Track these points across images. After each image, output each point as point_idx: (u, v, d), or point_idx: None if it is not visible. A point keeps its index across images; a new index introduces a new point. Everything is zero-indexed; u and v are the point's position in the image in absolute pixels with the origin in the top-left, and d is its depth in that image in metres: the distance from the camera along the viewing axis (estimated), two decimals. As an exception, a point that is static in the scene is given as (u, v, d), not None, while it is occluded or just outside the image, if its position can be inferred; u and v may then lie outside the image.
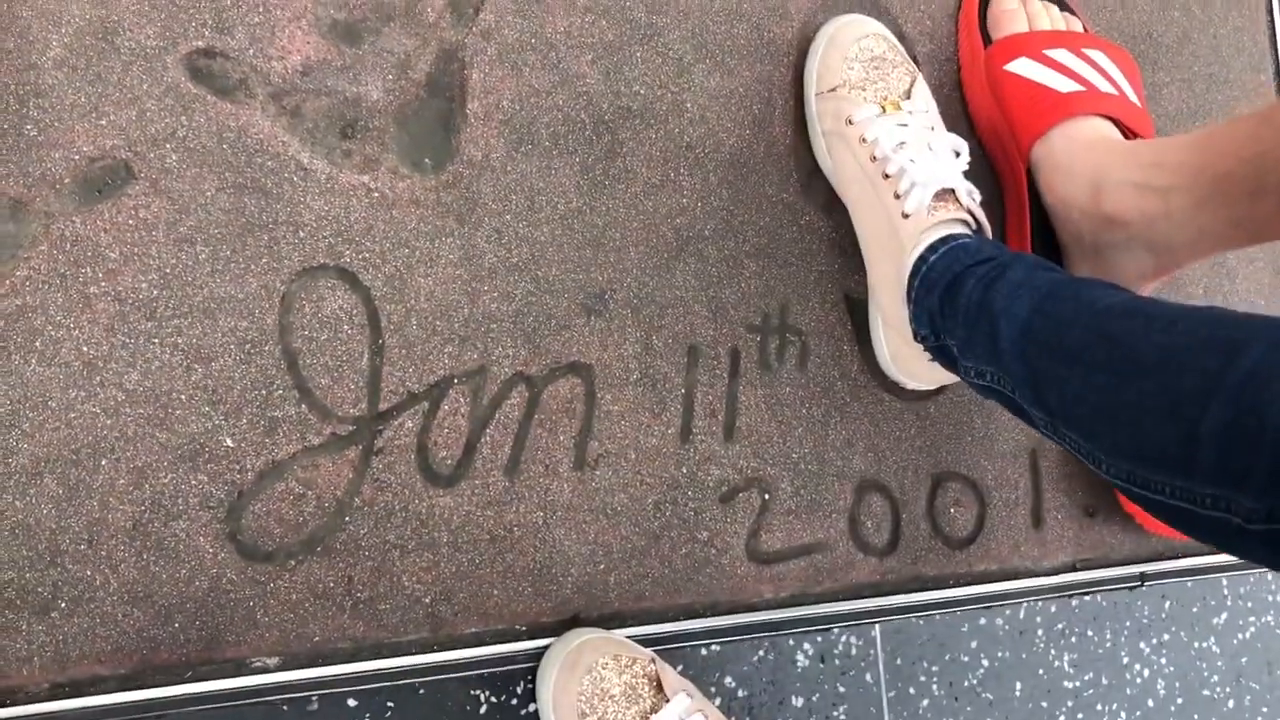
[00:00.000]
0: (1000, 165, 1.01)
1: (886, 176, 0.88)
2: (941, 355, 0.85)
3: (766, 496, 0.95)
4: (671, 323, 0.93)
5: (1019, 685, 1.02)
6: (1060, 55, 0.97)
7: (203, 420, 0.80)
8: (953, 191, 0.86)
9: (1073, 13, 1.03)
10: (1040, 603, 1.04)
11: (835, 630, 0.96)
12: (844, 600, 0.96)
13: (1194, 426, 0.58)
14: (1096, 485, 1.04)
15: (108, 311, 0.79)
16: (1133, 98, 0.97)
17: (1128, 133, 0.96)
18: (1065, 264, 0.97)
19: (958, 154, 0.89)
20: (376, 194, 0.86)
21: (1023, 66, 0.97)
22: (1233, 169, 0.80)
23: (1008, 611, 1.02)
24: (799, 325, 0.97)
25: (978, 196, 0.88)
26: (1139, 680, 1.07)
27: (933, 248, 0.84)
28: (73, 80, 0.79)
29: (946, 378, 0.92)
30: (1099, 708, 1.06)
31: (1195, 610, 1.10)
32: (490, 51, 0.90)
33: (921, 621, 1.00)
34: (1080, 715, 1.04)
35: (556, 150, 0.91)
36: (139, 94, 0.80)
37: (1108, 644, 1.06)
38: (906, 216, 0.86)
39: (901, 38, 1.02)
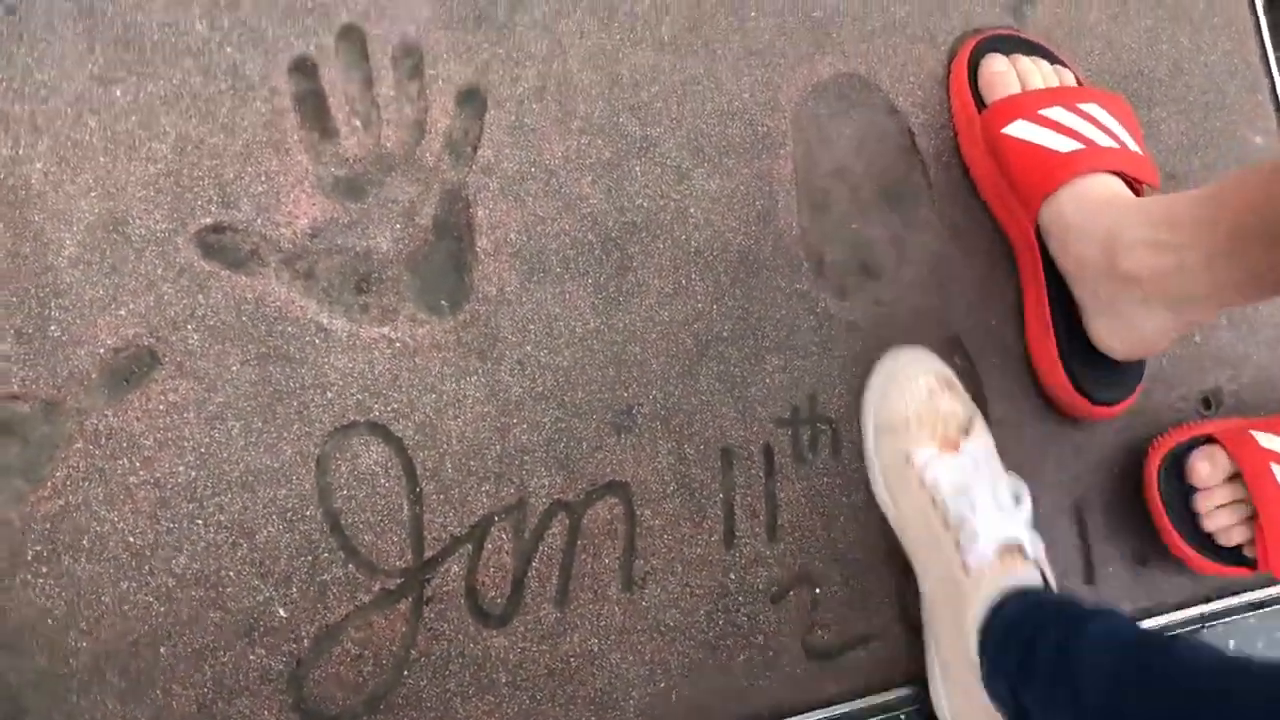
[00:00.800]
0: (1009, 228, 1.01)
1: (947, 526, 0.86)
2: (1018, 717, 0.78)
3: (817, 591, 0.95)
4: (701, 429, 0.94)
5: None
6: (1056, 114, 0.97)
7: (254, 594, 0.81)
8: (1019, 545, 0.84)
9: (1063, 64, 1.03)
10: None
11: (901, 716, 0.96)
12: (906, 686, 0.96)
13: None
14: (1144, 532, 1.03)
15: (149, 499, 0.80)
16: (1133, 147, 0.97)
17: (1133, 184, 0.96)
18: (1084, 322, 0.97)
19: (1018, 499, 0.87)
20: (398, 344, 0.87)
21: (1020, 129, 0.97)
22: (1246, 221, 0.80)
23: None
24: (828, 414, 0.97)
25: (1041, 547, 0.86)
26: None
27: (1004, 603, 0.81)
28: (89, 275, 0.80)
29: None
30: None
31: (1261, 645, 1.09)
32: (492, 186, 0.91)
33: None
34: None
35: (568, 274, 0.92)
36: (154, 279, 0.82)
37: None
38: (968, 571, 0.83)
39: (893, 111, 1.02)
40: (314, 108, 0.87)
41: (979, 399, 0.99)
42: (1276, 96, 1.16)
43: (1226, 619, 1.06)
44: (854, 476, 0.97)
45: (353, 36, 0.89)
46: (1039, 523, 0.89)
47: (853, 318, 0.99)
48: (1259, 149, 1.14)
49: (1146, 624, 1.03)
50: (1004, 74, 1.00)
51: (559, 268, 0.91)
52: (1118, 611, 0.77)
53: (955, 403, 0.91)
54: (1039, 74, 1.01)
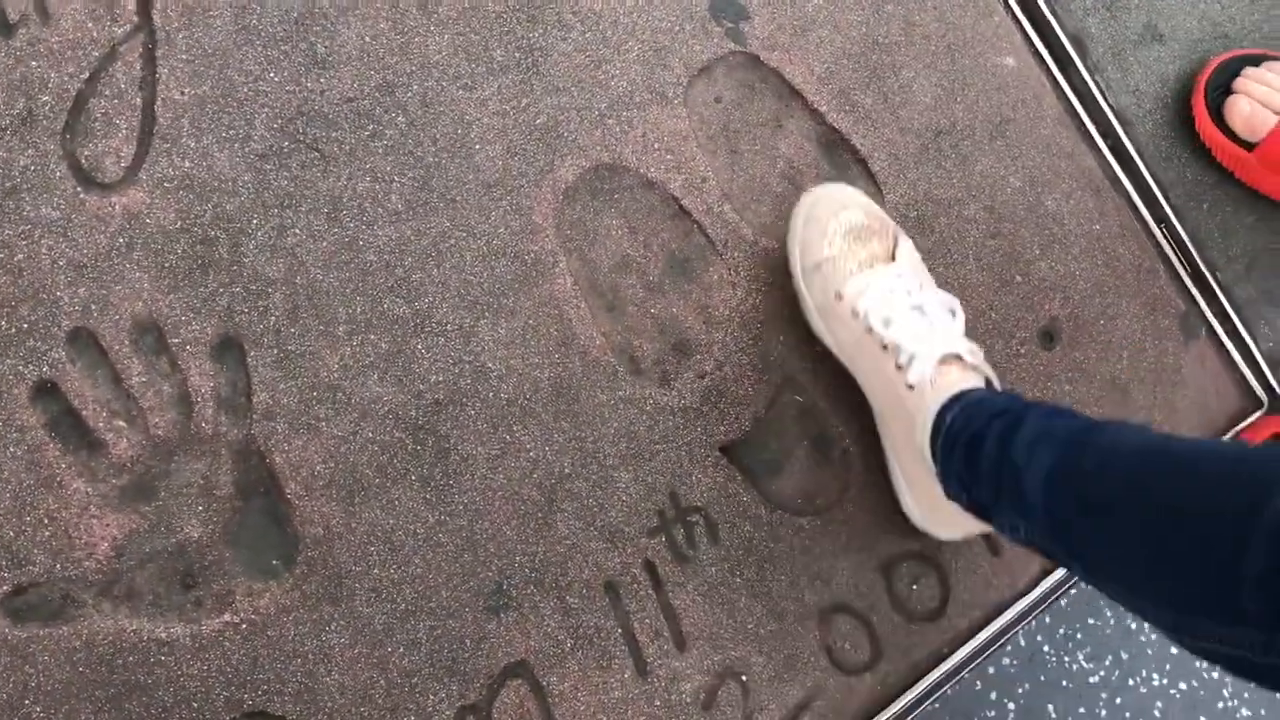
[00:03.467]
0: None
1: (884, 348, 0.88)
2: (977, 511, 0.83)
3: (744, 679, 0.95)
4: (577, 573, 0.92)
5: (1051, 708, 1.03)
6: None
7: None
8: (956, 354, 0.86)
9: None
10: (1033, 622, 1.04)
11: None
12: (859, 731, 0.96)
13: (1233, 571, 0.56)
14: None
15: None
16: None
17: None
18: None
19: (953, 313, 0.89)
20: (244, 625, 0.84)
21: None
22: None
23: (1009, 647, 1.02)
24: (694, 503, 0.97)
25: (980, 354, 0.87)
26: (1155, 636, 1.08)
27: (947, 406, 0.84)
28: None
29: (979, 527, 0.90)
30: (1131, 682, 1.07)
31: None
32: (280, 428, 0.88)
33: (937, 704, 1.00)
34: (1119, 699, 1.06)
35: (389, 481, 0.89)
36: (-25, 670, 0.78)
37: (1110, 622, 1.07)
38: (911, 388, 0.86)
39: (650, 184, 1.00)
40: (70, 428, 0.83)
41: (829, 436, 0.99)
42: (1013, 11, 1.15)
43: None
44: (740, 554, 0.97)
45: (82, 339, 0.85)
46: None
47: (684, 401, 0.98)
48: (1013, 70, 1.13)
49: (1061, 572, 1.04)
50: (1250, 116, 1.06)
51: (377, 479, 0.89)
52: (1053, 407, 0.79)
53: (875, 229, 0.93)
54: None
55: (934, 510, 0.93)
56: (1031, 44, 1.14)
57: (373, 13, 0.96)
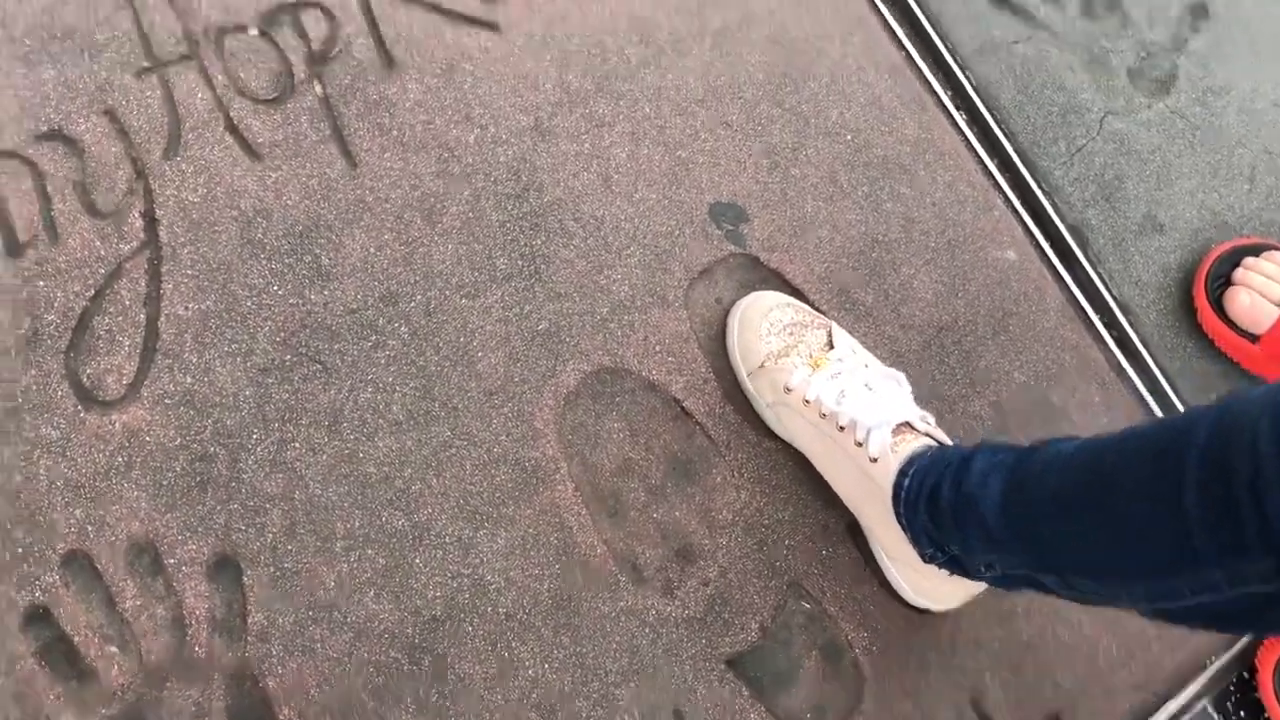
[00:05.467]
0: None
1: (841, 429, 0.90)
2: (954, 565, 0.85)
3: None
4: (577, 798, 0.89)
5: None
6: None
7: None
8: (907, 422, 0.89)
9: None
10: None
11: None
12: None
13: (1176, 511, 0.60)
14: (1042, 689, 1.01)
15: None
16: None
17: None
18: None
19: (899, 383, 0.93)
20: None
21: None
22: None
23: None
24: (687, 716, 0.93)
25: (931, 419, 0.91)
26: None
27: (903, 470, 0.87)
28: None
29: (968, 590, 0.93)
30: None
31: None
32: (275, 651, 0.86)
33: None
34: None
35: (384, 705, 0.87)
36: None
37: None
38: (875, 460, 0.88)
39: (652, 387, 0.99)
40: (62, 655, 0.82)
41: (838, 645, 0.96)
42: (1012, 205, 1.16)
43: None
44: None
45: (78, 562, 0.84)
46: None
47: (688, 612, 0.96)
48: (1015, 264, 1.14)
49: None
50: (1250, 307, 1.08)
51: (373, 702, 0.87)
52: (998, 443, 0.83)
53: (807, 322, 0.98)
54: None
55: (922, 581, 0.95)
56: (1032, 236, 1.15)
57: (377, 224, 0.97)
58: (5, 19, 0.94)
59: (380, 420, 0.92)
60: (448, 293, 0.97)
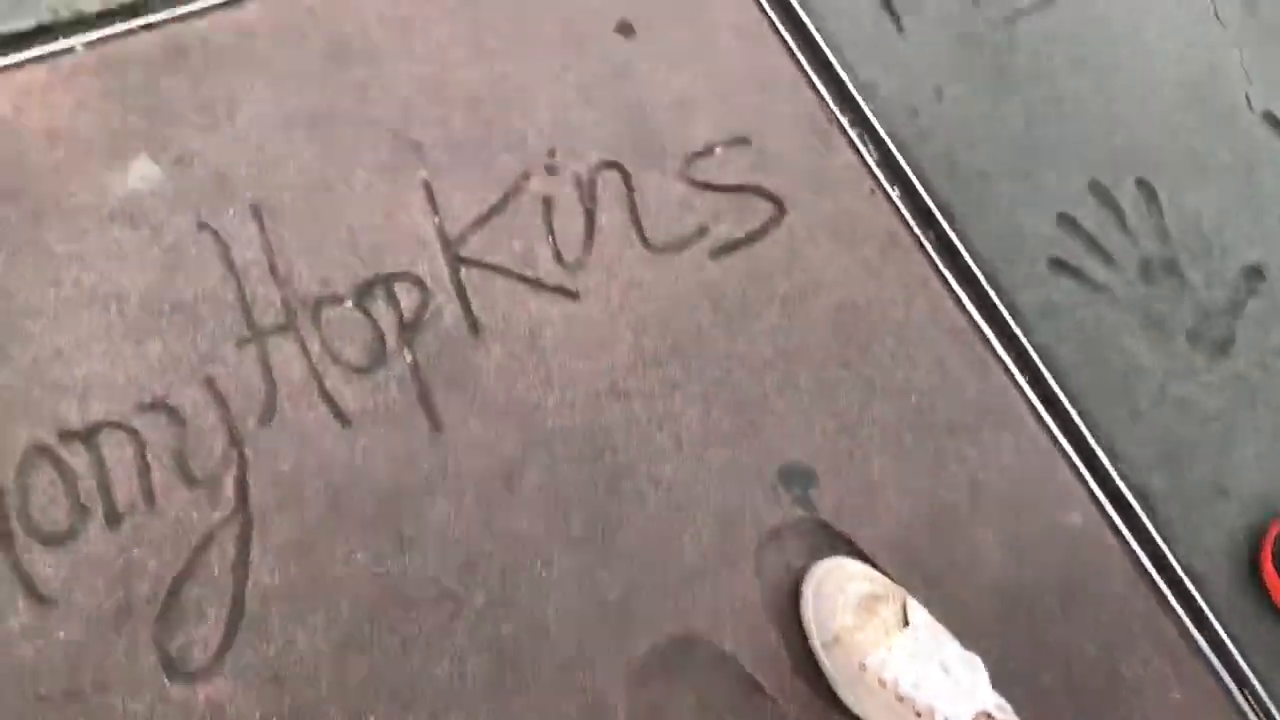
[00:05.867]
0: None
1: (918, 715, 0.89)
2: None
3: None
4: None
5: None
6: None
7: None
8: (986, 712, 0.88)
9: None
10: None
11: None
12: None
13: None
14: None
15: None
16: None
17: None
18: None
19: (974, 668, 0.91)
20: None
21: None
22: None
23: None
24: None
25: (1009, 708, 0.90)
26: None
27: None
28: None
29: None
30: None
31: None
32: None
33: None
34: None
35: None
36: None
37: None
38: None
39: (724, 658, 1.00)
40: None
41: None
42: (1076, 469, 1.17)
43: None
44: None
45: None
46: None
47: None
48: (1081, 529, 1.14)
49: None
50: None
51: None
52: None
53: (883, 596, 0.96)
54: None
55: None
56: (1097, 501, 1.16)
57: (459, 489, 1.00)
58: (120, 294, 0.99)
59: (453, 695, 0.93)
60: (524, 559, 0.99)
